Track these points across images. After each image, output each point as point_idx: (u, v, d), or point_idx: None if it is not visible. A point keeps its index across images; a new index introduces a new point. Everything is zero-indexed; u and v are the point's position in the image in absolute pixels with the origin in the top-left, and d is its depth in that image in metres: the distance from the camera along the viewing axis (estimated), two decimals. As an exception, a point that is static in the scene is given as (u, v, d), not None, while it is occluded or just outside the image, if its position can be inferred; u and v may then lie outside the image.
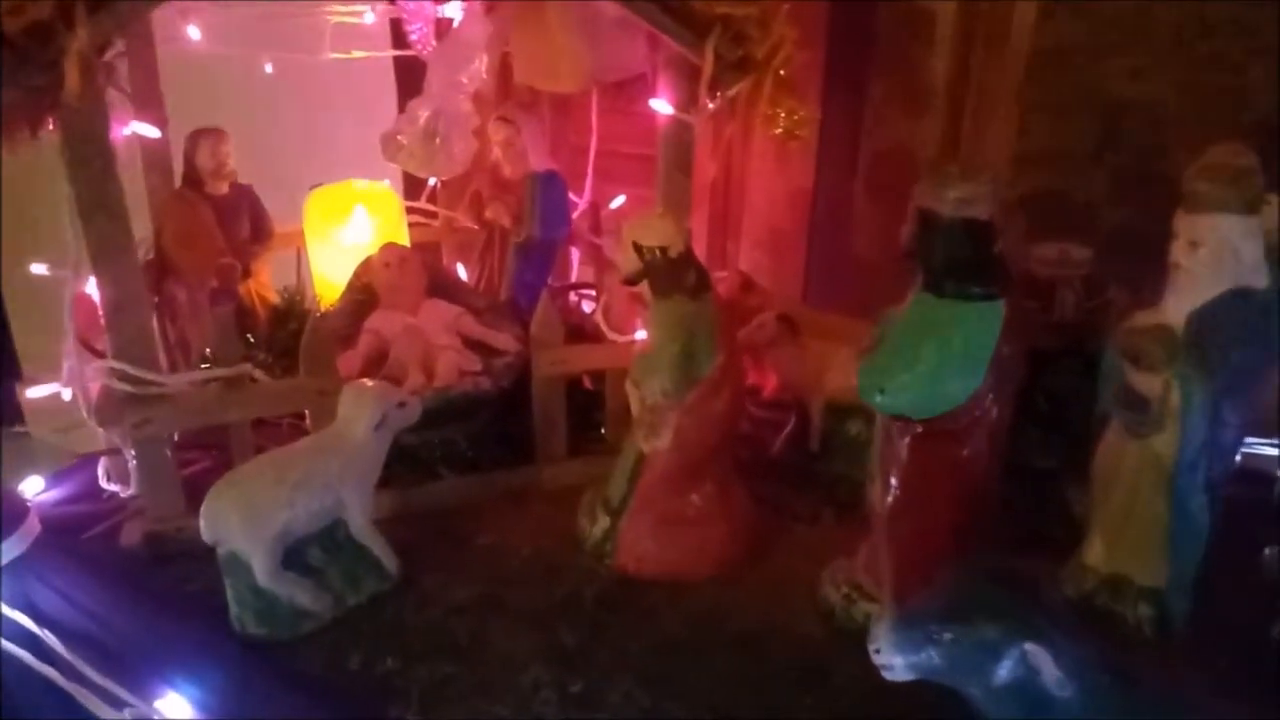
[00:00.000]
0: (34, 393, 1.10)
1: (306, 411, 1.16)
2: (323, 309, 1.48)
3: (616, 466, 1.13)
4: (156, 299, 1.40)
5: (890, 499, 0.93)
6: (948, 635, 0.72)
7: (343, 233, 1.52)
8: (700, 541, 1.09)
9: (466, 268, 1.64)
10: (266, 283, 1.51)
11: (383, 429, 1.02)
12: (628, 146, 1.87)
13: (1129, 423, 0.99)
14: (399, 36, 1.56)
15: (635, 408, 1.16)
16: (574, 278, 1.78)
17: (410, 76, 1.85)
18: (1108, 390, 1.02)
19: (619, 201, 1.72)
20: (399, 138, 1.06)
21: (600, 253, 1.61)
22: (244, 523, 0.93)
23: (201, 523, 0.95)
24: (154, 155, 1.41)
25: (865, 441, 1.29)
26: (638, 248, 1.04)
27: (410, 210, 1.66)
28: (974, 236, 0.86)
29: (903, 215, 1.67)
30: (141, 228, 1.40)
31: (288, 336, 1.41)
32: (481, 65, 1.05)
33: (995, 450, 0.92)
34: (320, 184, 1.54)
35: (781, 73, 1.18)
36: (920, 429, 0.90)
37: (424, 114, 1.03)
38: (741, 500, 1.15)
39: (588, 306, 1.71)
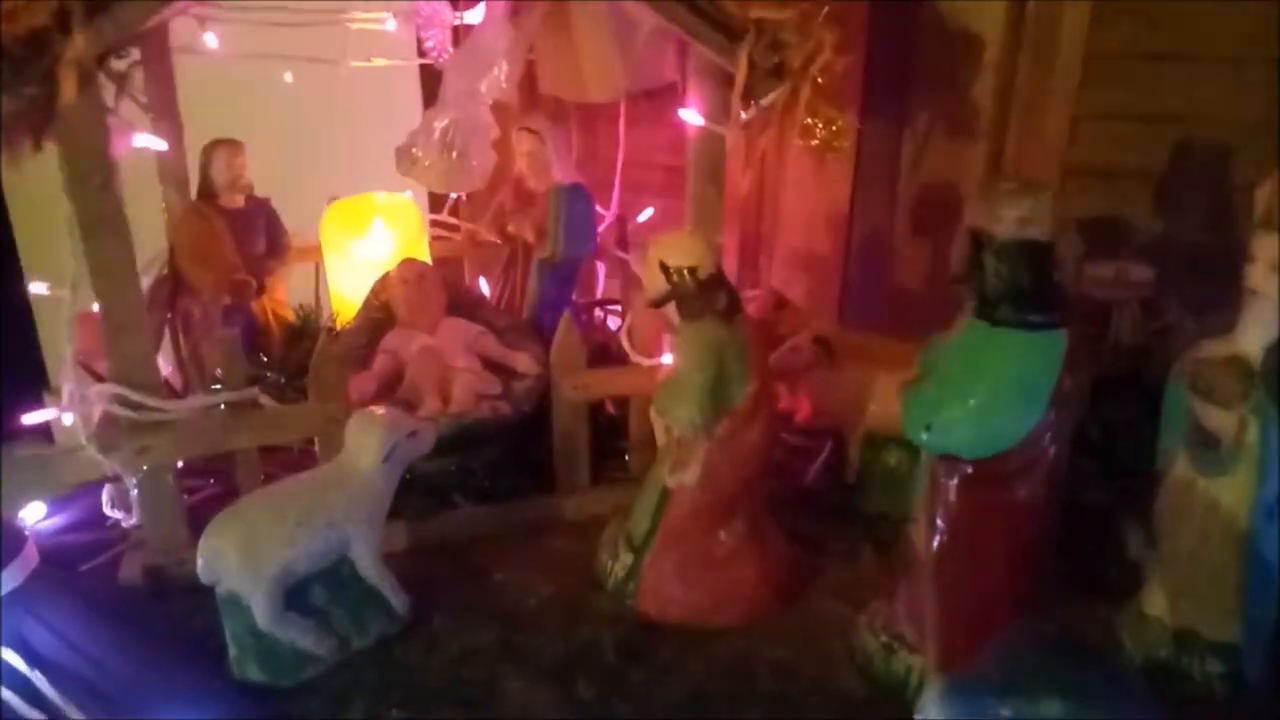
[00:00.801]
0: (31, 418, 1.05)
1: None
2: (337, 328, 1.43)
3: (640, 500, 1.06)
4: (170, 315, 1.36)
5: (936, 545, 0.85)
6: (1005, 712, 0.64)
7: (360, 247, 1.47)
8: (729, 584, 1.02)
9: (489, 283, 1.58)
10: (282, 299, 1.46)
11: (392, 461, 0.96)
12: (657, 157, 1.81)
13: (1198, 461, 0.91)
14: (421, 43, 1.51)
15: (660, 438, 1.09)
16: (600, 293, 1.72)
17: (436, 85, 1.81)
18: (1173, 425, 0.94)
19: (647, 214, 1.66)
20: (414, 151, 1.00)
21: (627, 268, 1.54)
22: (242, 562, 0.88)
23: (198, 561, 0.89)
24: (171, 168, 1.37)
25: (905, 474, 1.23)
26: (665, 268, 0.97)
27: (433, 224, 1.61)
28: (1032, 259, 0.78)
29: (946, 232, 1.60)
30: (157, 242, 1.37)
31: (302, 356, 1.35)
32: (502, 73, 0.99)
33: (1053, 494, 0.84)
34: (340, 197, 1.50)
35: (820, 80, 1.11)
36: (970, 470, 0.82)
37: (440, 125, 0.98)
38: (774, 538, 1.08)
39: (614, 323, 1.66)
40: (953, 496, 0.83)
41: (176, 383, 1.39)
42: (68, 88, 0.82)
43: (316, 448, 1.10)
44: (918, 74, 1.60)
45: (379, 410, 0.98)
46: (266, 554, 0.88)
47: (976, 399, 0.79)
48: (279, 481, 0.95)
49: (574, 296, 1.52)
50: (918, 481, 0.90)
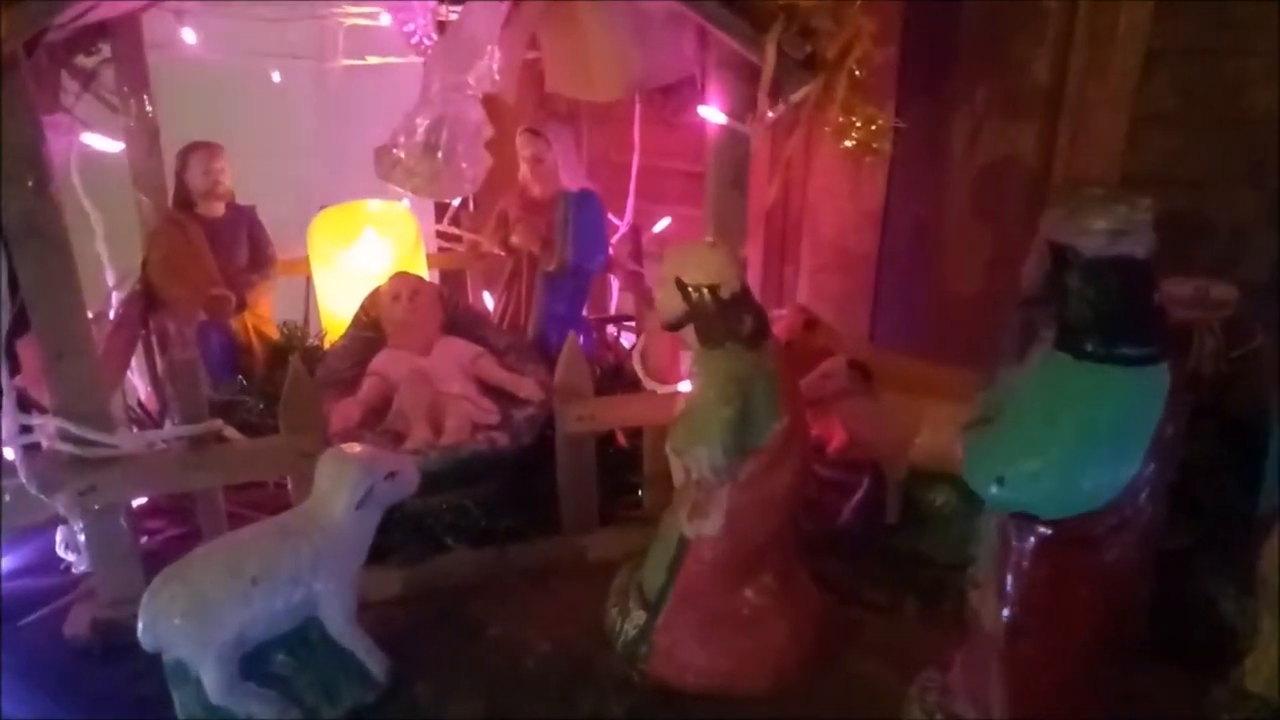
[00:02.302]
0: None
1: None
2: (323, 346, 1.31)
3: (654, 550, 0.93)
4: (145, 332, 1.25)
5: (1006, 617, 0.72)
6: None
7: (351, 259, 1.35)
8: (755, 647, 0.89)
9: (494, 298, 1.46)
10: (266, 316, 1.34)
11: (368, 506, 0.83)
12: (674, 162, 1.68)
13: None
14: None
15: (678, 477, 0.96)
16: (613, 309, 1.60)
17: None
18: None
19: (664, 224, 1.54)
20: (395, 152, 0.88)
21: (641, 282, 1.42)
22: (189, 627, 0.75)
23: (138, 624, 0.77)
24: (146, 174, 1.26)
25: (953, 514, 1.10)
26: (682, 285, 0.85)
27: (435, 234, 1.49)
28: (1127, 280, 0.65)
29: (991, 243, 1.46)
30: (134, 255, 1.26)
31: (284, 378, 1.24)
32: (492, 62, 0.87)
33: (1146, 557, 0.70)
34: (330, 205, 1.39)
35: (857, 74, 0.98)
36: (1049, 531, 0.68)
37: (423, 124, 0.86)
38: (805, 591, 0.94)
39: (628, 340, 1.54)
40: (1028, 562, 0.69)
41: (152, 405, 1.28)
42: (-14, 77, 0.70)
43: (289, 488, 0.98)
44: (960, 68, 1.46)
45: (353, 448, 0.85)
46: (218, 617, 0.76)
47: (1059, 449, 0.65)
48: (236, 531, 0.83)
49: (584, 312, 1.40)
50: (980, 537, 0.77)
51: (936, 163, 1.53)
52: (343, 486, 0.82)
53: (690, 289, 0.84)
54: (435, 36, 1.02)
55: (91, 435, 0.86)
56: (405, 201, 1.41)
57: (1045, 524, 0.68)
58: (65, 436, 0.87)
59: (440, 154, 0.85)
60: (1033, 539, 0.69)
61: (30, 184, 0.79)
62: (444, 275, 1.50)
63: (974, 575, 0.77)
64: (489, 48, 0.87)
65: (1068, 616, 0.70)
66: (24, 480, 0.88)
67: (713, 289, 0.84)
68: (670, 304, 0.86)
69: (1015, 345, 0.76)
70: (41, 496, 0.89)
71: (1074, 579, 0.69)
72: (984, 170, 1.49)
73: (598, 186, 1.37)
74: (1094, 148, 1.38)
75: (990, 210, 1.49)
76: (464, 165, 0.86)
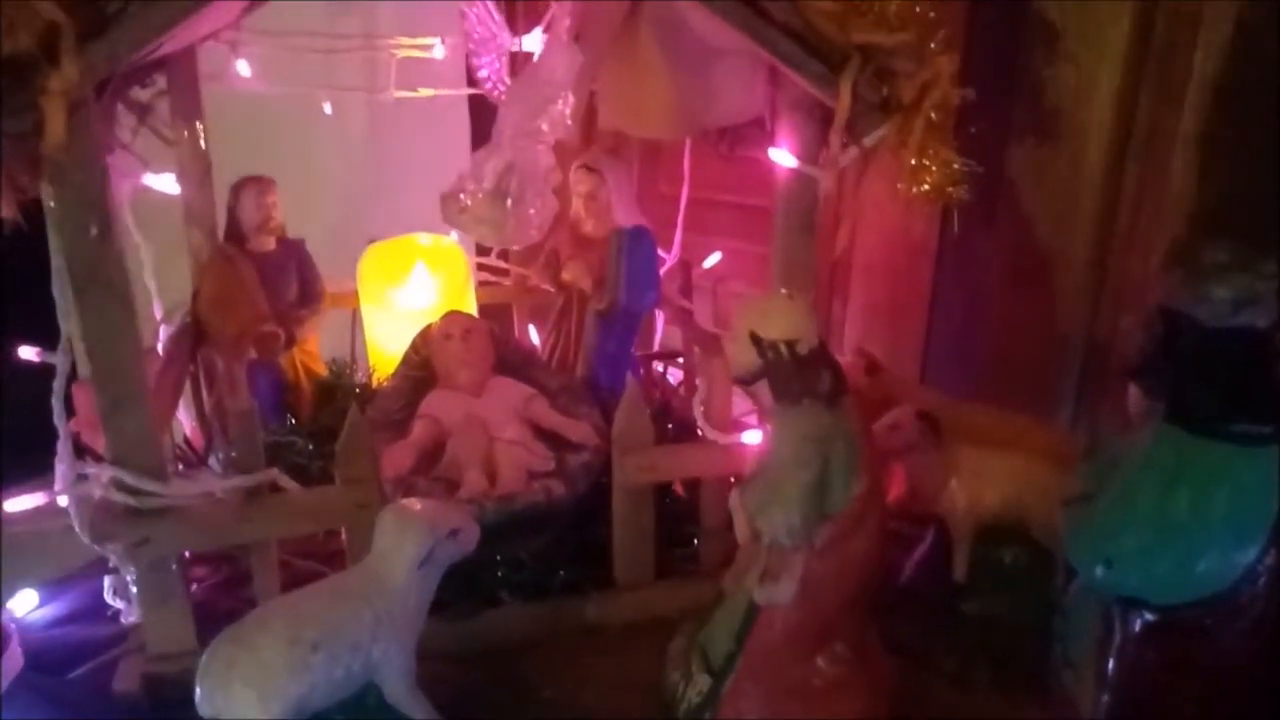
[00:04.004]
0: (14, 504, 0.91)
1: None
2: (372, 385, 1.29)
3: (720, 614, 0.89)
4: (192, 368, 1.23)
5: (1105, 706, 0.68)
6: None
7: (400, 295, 1.33)
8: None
9: (540, 334, 1.44)
10: (314, 352, 1.32)
11: (430, 566, 0.80)
12: (723, 194, 1.66)
13: None
14: (473, 73, 1.38)
15: (741, 534, 0.92)
16: (658, 344, 1.57)
17: (486, 118, 1.68)
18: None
19: (714, 259, 1.51)
20: (462, 198, 0.86)
21: (691, 318, 1.39)
22: (249, 696, 0.72)
23: (196, 692, 0.74)
24: (197, 207, 1.24)
25: (1024, 572, 1.05)
26: (757, 340, 0.81)
27: (479, 268, 1.47)
28: (1249, 353, 0.61)
29: (1051, 282, 1.41)
30: (183, 289, 1.25)
31: (334, 417, 1.22)
32: (566, 108, 0.85)
33: (1260, 648, 0.66)
34: (380, 238, 1.37)
35: (934, 116, 0.95)
36: (1157, 617, 0.64)
37: (493, 169, 0.83)
38: (877, 660, 0.90)
39: (674, 376, 1.51)
40: (1132, 649, 0.65)
41: (197, 441, 1.26)
42: (55, 125, 0.68)
43: (344, 538, 0.95)
44: (1020, 98, 1.42)
45: (414, 505, 0.82)
46: (278, 687, 0.73)
47: (1173, 530, 0.61)
48: (294, 593, 0.80)
49: (634, 349, 1.37)
50: (1073, 612, 0.73)
51: (992, 194, 1.49)
52: (405, 546, 0.79)
53: (766, 344, 0.81)
54: (508, 81, 1.00)
55: (147, 486, 0.84)
56: (454, 235, 1.39)
57: (1153, 609, 0.64)
58: (120, 486, 0.84)
59: (509, 201, 0.82)
60: (1139, 625, 0.65)
61: (94, 232, 0.77)
62: (485, 309, 1.47)
63: (1066, 653, 0.73)
64: (563, 92, 0.84)
65: (1174, 710, 0.66)
66: (77, 530, 0.86)
67: (790, 344, 0.80)
68: (744, 358, 0.82)
69: (1122, 415, 0.72)
70: (95, 546, 0.87)
71: (1183, 670, 0.65)
72: (1044, 207, 1.45)
73: (646, 218, 1.34)
74: (1162, 185, 1.34)
75: (1050, 248, 1.45)
76: (532, 211, 0.83)
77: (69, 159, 0.72)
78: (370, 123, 1.47)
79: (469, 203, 0.85)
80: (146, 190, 1.10)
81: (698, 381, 1.40)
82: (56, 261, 0.78)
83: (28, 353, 0.88)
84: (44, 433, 0.86)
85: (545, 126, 0.83)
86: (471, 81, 1.34)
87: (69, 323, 0.82)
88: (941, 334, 1.59)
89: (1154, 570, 0.62)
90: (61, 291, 0.81)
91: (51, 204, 0.76)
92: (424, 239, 1.36)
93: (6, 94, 0.68)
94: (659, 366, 1.52)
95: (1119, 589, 0.65)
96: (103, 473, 0.84)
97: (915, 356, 1.61)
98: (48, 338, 0.85)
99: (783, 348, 0.80)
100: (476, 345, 1.18)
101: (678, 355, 1.50)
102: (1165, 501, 0.62)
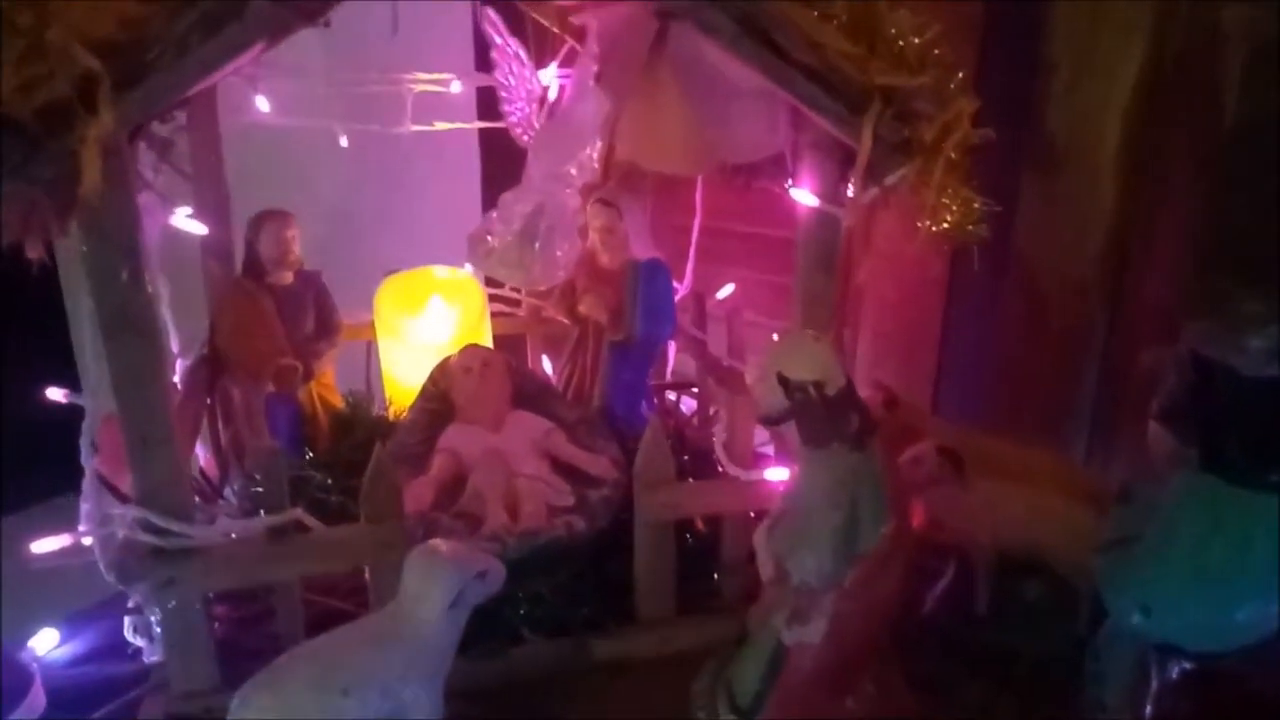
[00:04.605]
0: (41, 546, 0.91)
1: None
2: (390, 417, 1.29)
3: (747, 653, 0.89)
4: (209, 400, 1.23)
5: (1143, 750, 0.68)
6: None
7: (417, 327, 1.33)
8: (856, 760, 0.85)
9: (553, 364, 1.44)
10: (330, 384, 1.32)
11: (459, 607, 0.80)
12: (737, 224, 1.67)
13: None
14: (484, 106, 1.39)
15: (765, 571, 0.92)
16: (670, 373, 1.57)
17: (495, 150, 1.69)
18: None
19: (727, 291, 1.51)
20: (489, 240, 0.86)
21: (705, 349, 1.39)
22: (278, 741, 0.72)
23: (226, 737, 0.74)
24: (214, 238, 1.24)
25: (1046, 605, 1.06)
26: (784, 381, 0.82)
27: (491, 299, 1.47)
28: (1284, 402, 0.61)
29: (1063, 313, 1.41)
30: (198, 319, 1.25)
31: (351, 450, 1.22)
32: (594, 153, 0.85)
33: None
34: (397, 270, 1.37)
35: (954, 157, 0.96)
36: (1194, 665, 0.64)
37: (522, 211, 0.84)
38: (902, 699, 0.90)
39: (687, 405, 1.51)
40: (1169, 698, 0.65)
41: (211, 471, 1.26)
42: (91, 172, 0.69)
43: (367, 574, 0.95)
44: (1031, 127, 1.43)
45: (442, 547, 0.82)
46: (307, 732, 0.73)
47: (1211, 579, 0.61)
48: (323, 637, 0.80)
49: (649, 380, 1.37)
50: (1106, 655, 0.73)
51: (1005, 224, 1.49)
52: (434, 588, 0.79)
53: (793, 385, 0.81)
54: (538, 125, 1.00)
55: (175, 526, 0.84)
56: (468, 267, 1.39)
57: (1191, 657, 0.64)
58: (146, 526, 0.84)
59: (537, 244, 0.82)
60: (1176, 673, 0.65)
61: (125, 276, 0.78)
62: (499, 340, 1.47)
63: (1100, 697, 0.73)
64: (592, 138, 0.85)
65: (1213, 756, 0.66)
66: (103, 570, 0.86)
67: (818, 386, 0.81)
68: (771, 399, 0.82)
69: (1139, 447, 0.72)
70: (121, 586, 0.87)
71: (1222, 718, 0.65)
72: (1055, 236, 1.46)
73: (659, 249, 1.34)
74: (1175, 214, 1.34)
75: (1062, 277, 1.46)
76: (559, 253, 0.84)
77: (103, 204, 0.73)
78: (383, 154, 1.47)
79: (496, 245, 0.86)
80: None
81: (712, 411, 1.40)
82: (71, 302, 0.79)
83: (56, 394, 0.88)
84: (42, 454, 0.86)
85: (574, 171, 0.84)
86: (484, 114, 1.35)
87: (86, 358, 0.82)
88: (953, 363, 1.59)
89: (1192, 618, 0.63)
90: (80, 328, 0.81)
91: (83, 249, 0.77)
92: (440, 271, 1.36)
93: (44, 140, 0.69)
94: (672, 396, 1.52)
95: (1157, 637, 0.65)
96: (129, 513, 0.84)
97: (926, 385, 1.61)
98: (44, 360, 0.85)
99: (811, 389, 0.81)
100: (495, 379, 1.18)
101: (691, 385, 1.50)
102: (1203, 550, 0.62)
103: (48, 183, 0.71)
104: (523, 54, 1.03)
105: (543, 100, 1.02)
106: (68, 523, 0.91)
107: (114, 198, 0.75)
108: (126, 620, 0.98)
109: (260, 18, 0.72)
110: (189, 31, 0.71)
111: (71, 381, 0.95)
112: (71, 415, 0.91)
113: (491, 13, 1.06)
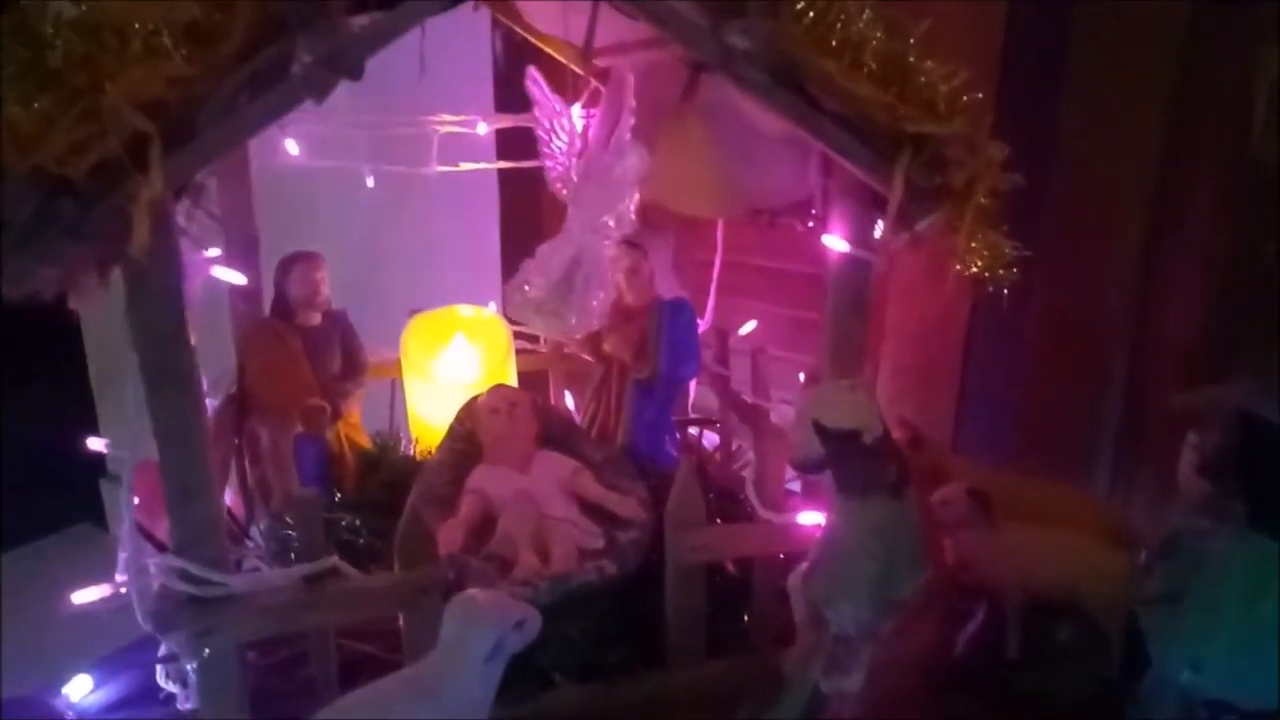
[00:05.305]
0: (80, 596, 0.92)
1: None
2: (416, 456, 1.29)
3: (784, 701, 0.89)
4: (236, 440, 1.24)
5: (1191, 806, 0.67)
6: None
7: (441, 366, 1.34)
8: (896, 810, 0.85)
9: (576, 400, 1.44)
10: (357, 423, 1.32)
11: (497, 658, 0.80)
12: (756, 258, 1.68)
13: None
14: (503, 146, 1.40)
15: (799, 615, 0.93)
16: (690, 407, 1.57)
17: (513, 189, 1.70)
18: None
19: (750, 327, 1.52)
20: (526, 290, 0.87)
21: (727, 385, 1.40)
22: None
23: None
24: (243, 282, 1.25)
25: (1078, 648, 1.06)
26: (821, 429, 0.82)
27: (515, 335, 1.48)
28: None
29: (1087, 348, 1.40)
30: (225, 359, 1.26)
31: (378, 489, 1.22)
32: (631, 205, 0.86)
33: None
34: (420, 309, 1.38)
35: (984, 202, 0.97)
36: (1243, 720, 0.64)
37: (559, 261, 0.85)
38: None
39: (709, 440, 1.51)
40: (1220, 753, 0.65)
41: (238, 511, 1.27)
42: (141, 230, 0.70)
43: (400, 620, 0.95)
44: (1054, 158, 1.43)
45: (480, 597, 0.83)
46: (349, 788, 0.73)
47: (1261, 636, 0.61)
48: (362, 690, 0.80)
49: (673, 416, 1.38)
50: (1149, 704, 0.73)
51: (1027, 260, 1.50)
52: (473, 640, 0.79)
53: (831, 434, 0.82)
54: (576, 178, 1.02)
55: (213, 576, 0.84)
56: (492, 305, 1.40)
57: (1240, 714, 0.64)
58: (185, 576, 0.85)
59: (574, 294, 0.83)
60: (1226, 727, 0.65)
61: (169, 329, 0.79)
62: (521, 377, 1.48)
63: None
64: (632, 192, 0.86)
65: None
66: (140, 620, 0.86)
67: (854, 435, 0.81)
68: (808, 448, 0.83)
69: (1161, 483, 0.72)
70: (159, 635, 0.87)
71: (1272, 773, 0.65)
72: (1079, 268, 1.46)
73: (682, 285, 1.35)
74: (1199, 245, 1.34)
75: (1086, 310, 1.46)
76: (594, 302, 0.84)
77: (151, 261, 0.74)
78: (402, 194, 1.49)
79: (533, 295, 0.87)
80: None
81: (734, 446, 1.41)
82: (93, 347, 0.79)
83: (96, 444, 0.89)
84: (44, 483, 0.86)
85: (612, 223, 0.85)
86: (502, 155, 1.37)
87: (126, 408, 0.83)
88: (974, 397, 1.59)
89: (1242, 675, 0.63)
90: (103, 374, 0.81)
91: (128, 304, 0.78)
92: (465, 310, 1.37)
93: (95, 199, 0.70)
94: (694, 431, 1.52)
95: (1206, 693, 0.65)
96: (168, 562, 0.84)
97: (947, 420, 1.61)
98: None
99: (847, 438, 0.81)
100: (522, 419, 1.19)
101: (712, 420, 1.50)
102: (1252, 608, 0.62)
103: (96, 240, 0.72)
104: (569, 115, 1.04)
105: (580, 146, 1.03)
106: (88, 552, 0.92)
107: (160, 254, 0.75)
108: (159, 668, 0.98)
109: (307, 77, 0.73)
110: (238, 92, 0.72)
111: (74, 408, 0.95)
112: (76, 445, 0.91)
113: (534, 70, 1.07)
